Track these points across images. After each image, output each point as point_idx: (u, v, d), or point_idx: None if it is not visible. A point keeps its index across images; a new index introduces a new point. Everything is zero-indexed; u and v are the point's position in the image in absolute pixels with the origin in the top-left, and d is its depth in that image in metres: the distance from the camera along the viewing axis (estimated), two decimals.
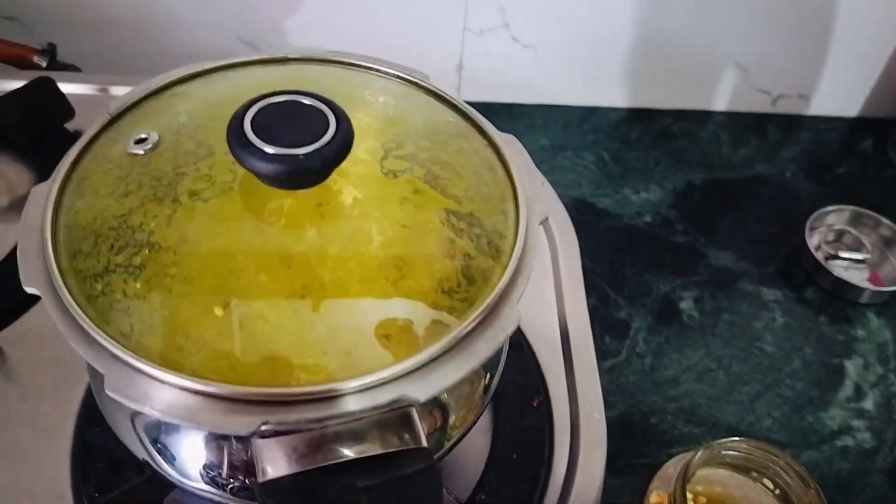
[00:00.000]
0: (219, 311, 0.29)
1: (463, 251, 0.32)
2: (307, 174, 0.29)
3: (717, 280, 0.67)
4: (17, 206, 0.57)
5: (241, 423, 0.26)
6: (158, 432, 0.33)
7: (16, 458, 0.43)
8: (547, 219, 0.34)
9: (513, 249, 0.32)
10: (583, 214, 0.71)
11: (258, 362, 0.28)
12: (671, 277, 0.67)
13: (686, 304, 0.65)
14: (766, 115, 0.83)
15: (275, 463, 0.26)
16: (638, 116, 0.83)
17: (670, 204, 0.73)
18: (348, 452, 0.27)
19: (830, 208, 0.70)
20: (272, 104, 0.30)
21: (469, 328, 0.29)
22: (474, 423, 0.36)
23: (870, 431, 0.57)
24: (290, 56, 0.39)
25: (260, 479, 0.26)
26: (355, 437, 0.27)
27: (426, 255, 0.31)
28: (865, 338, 0.63)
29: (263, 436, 0.27)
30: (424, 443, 0.27)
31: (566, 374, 0.48)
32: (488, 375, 0.37)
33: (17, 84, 0.60)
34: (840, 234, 0.70)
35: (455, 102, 0.38)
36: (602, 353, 0.52)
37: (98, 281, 0.29)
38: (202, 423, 0.27)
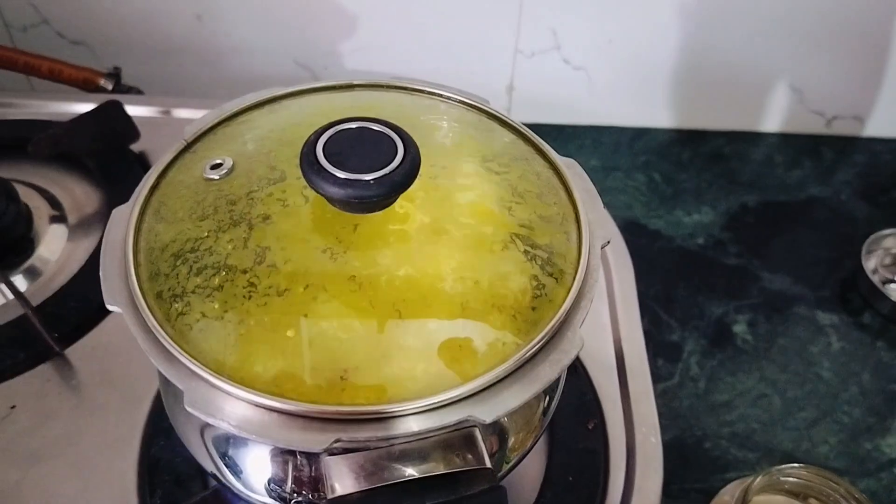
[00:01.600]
0: (291, 333, 0.29)
1: (528, 274, 0.32)
2: (376, 198, 0.30)
3: (772, 303, 0.66)
4: (84, 224, 0.59)
5: (314, 440, 0.27)
6: (227, 446, 0.34)
7: (83, 472, 0.44)
8: (609, 242, 0.34)
9: (576, 272, 0.32)
10: (635, 236, 0.71)
11: (328, 381, 0.29)
12: (724, 300, 0.66)
13: (740, 328, 0.64)
14: (819, 137, 0.83)
15: (343, 480, 0.27)
16: (689, 137, 0.82)
17: (723, 226, 0.73)
18: (413, 471, 0.27)
19: (887, 231, 0.69)
20: (342, 130, 0.31)
21: (533, 350, 0.29)
22: (533, 445, 0.36)
23: None
24: (354, 83, 0.40)
25: (329, 496, 0.27)
26: (420, 456, 0.28)
27: (492, 277, 0.32)
28: None
29: (332, 453, 0.27)
30: (488, 463, 0.28)
31: (621, 397, 0.48)
32: (547, 398, 0.38)
33: (85, 106, 0.62)
34: None
35: (517, 126, 0.38)
36: (654, 377, 0.52)
37: (177, 301, 0.30)
38: (276, 439, 0.27)
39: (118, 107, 0.60)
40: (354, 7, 0.75)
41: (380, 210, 0.32)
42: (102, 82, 0.69)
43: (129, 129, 0.61)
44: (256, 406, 0.28)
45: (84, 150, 0.59)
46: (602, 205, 0.36)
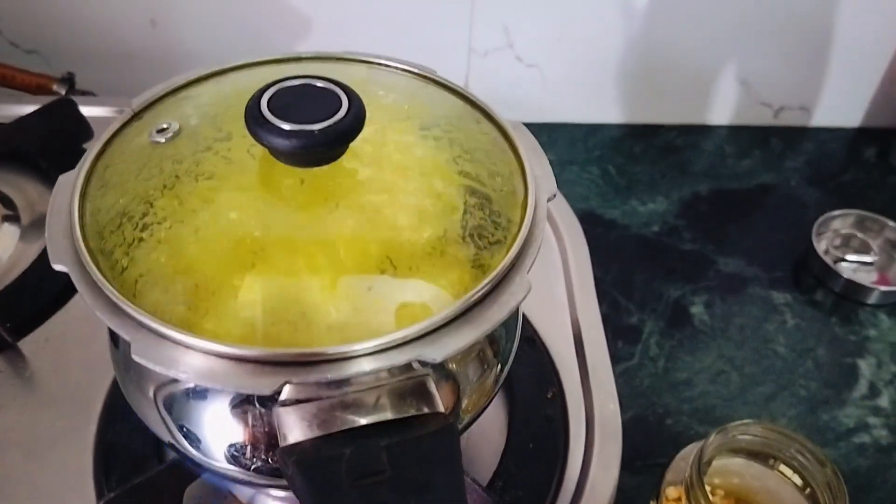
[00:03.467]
0: (237, 282, 0.30)
1: (476, 223, 0.33)
2: (322, 149, 0.31)
3: (727, 285, 0.67)
4: (37, 224, 0.58)
5: (262, 383, 0.27)
6: (182, 412, 0.33)
7: (37, 459, 0.43)
8: (555, 196, 0.35)
9: (522, 221, 0.33)
10: (591, 226, 0.72)
11: (276, 329, 0.29)
12: (681, 284, 0.67)
13: (697, 309, 0.65)
14: (768, 128, 0.85)
15: (295, 429, 0.27)
16: (642, 132, 0.84)
17: (677, 214, 0.74)
18: (366, 419, 0.27)
19: (836, 213, 0.71)
20: (287, 87, 0.32)
21: (482, 293, 0.30)
22: (488, 402, 0.37)
23: (886, 428, 0.57)
24: (302, 55, 0.41)
25: (281, 445, 0.27)
26: (373, 404, 0.28)
27: (441, 228, 0.32)
28: (877, 337, 0.64)
29: (284, 404, 0.27)
30: (440, 407, 0.28)
31: (579, 367, 0.49)
32: (499, 366, 0.38)
33: (38, 107, 0.62)
34: (847, 238, 0.71)
35: (463, 92, 0.39)
36: (615, 358, 0.53)
37: (123, 256, 0.30)
38: (226, 384, 0.27)
39: (70, 104, 0.60)
40: (308, 11, 0.75)
41: (326, 163, 0.32)
42: (56, 87, 0.69)
43: (83, 127, 0.61)
44: (206, 353, 0.28)
45: (36, 148, 0.59)
46: (548, 162, 0.37)
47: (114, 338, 0.36)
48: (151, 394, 0.34)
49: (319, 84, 0.32)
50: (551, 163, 0.77)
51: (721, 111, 0.84)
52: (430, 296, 0.31)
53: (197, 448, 0.34)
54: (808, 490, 0.43)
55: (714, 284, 0.67)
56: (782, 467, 0.44)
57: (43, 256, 0.54)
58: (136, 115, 0.37)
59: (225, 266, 0.30)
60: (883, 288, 0.66)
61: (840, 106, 0.84)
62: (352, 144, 0.32)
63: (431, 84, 0.40)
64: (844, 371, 0.61)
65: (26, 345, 0.49)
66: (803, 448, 0.43)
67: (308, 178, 0.32)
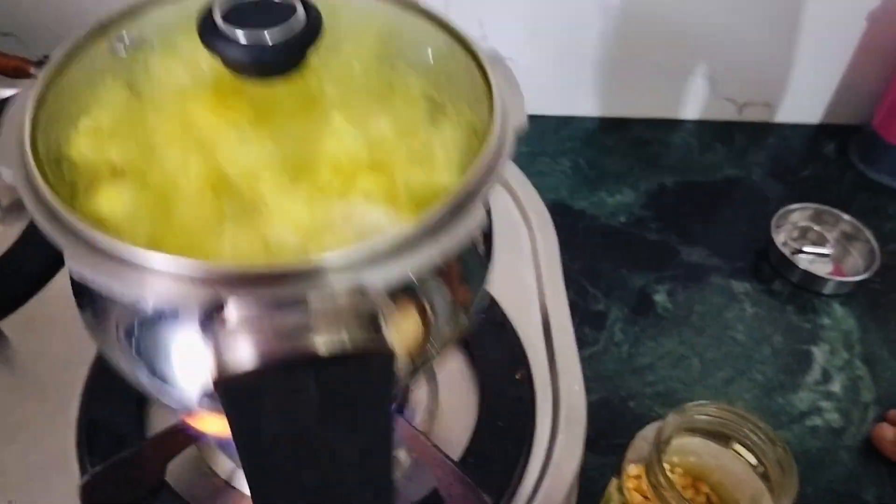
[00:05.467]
0: (179, 191, 0.30)
1: (437, 146, 0.32)
2: (275, 57, 0.30)
3: (690, 274, 0.70)
4: (16, 208, 0.59)
5: (191, 294, 0.26)
6: (153, 350, 0.32)
7: (22, 436, 0.45)
8: (524, 128, 0.34)
9: (483, 151, 0.31)
10: (561, 216, 0.74)
11: (214, 241, 0.28)
12: (646, 272, 0.70)
13: (660, 297, 0.68)
14: (733, 123, 0.87)
15: (232, 352, 0.26)
16: (612, 125, 0.86)
17: (643, 205, 0.77)
18: (304, 347, 0.26)
19: (794, 206, 0.74)
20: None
21: (434, 217, 0.28)
22: (439, 350, 0.36)
23: (837, 412, 0.60)
24: None
25: (216, 376, 0.25)
26: (314, 330, 0.26)
27: (400, 150, 0.32)
28: (831, 326, 0.66)
29: (224, 326, 0.26)
30: (386, 341, 0.26)
31: (546, 350, 0.51)
32: (462, 314, 0.37)
33: (14, 91, 0.62)
34: (804, 231, 0.74)
35: (441, 18, 0.38)
36: (581, 343, 0.55)
37: (72, 168, 0.31)
38: (156, 295, 0.27)
39: None
40: None
41: (282, 73, 0.31)
42: (33, 70, 0.69)
43: None
44: (142, 266, 0.26)
45: None
46: (522, 96, 0.36)
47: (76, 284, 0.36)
48: (113, 325, 0.33)
49: None
50: (523, 154, 0.80)
51: (688, 106, 0.87)
52: (382, 220, 0.30)
53: (173, 387, 0.33)
54: (761, 468, 0.46)
55: (677, 273, 0.70)
56: (737, 446, 0.47)
57: (24, 238, 0.55)
58: (100, 30, 0.36)
59: (172, 178, 0.30)
60: (837, 278, 0.68)
61: (802, 103, 0.87)
62: (311, 63, 0.32)
63: (408, 10, 0.38)
64: (799, 357, 0.64)
65: (8, 326, 0.49)
66: (756, 428, 0.45)
67: (263, 93, 0.32)
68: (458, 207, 0.29)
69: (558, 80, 0.84)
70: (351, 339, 0.26)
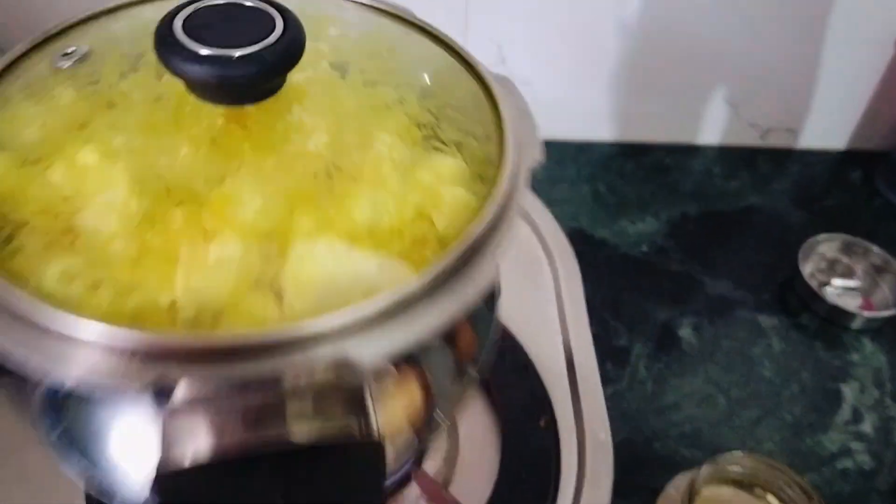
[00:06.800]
0: (120, 248, 0.24)
1: (434, 197, 0.27)
2: (242, 81, 0.25)
3: (715, 307, 0.68)
4: None
5: (136, 373, 0.20)
6: (78, 435, 0.27)
7: (30, 485, 0.43)
8: (540, 164, 0.29)
9: (491, 197, 0.27)
10: (581, 245, 0.72)
11: (161, 306, 0.23)
12: (669, 305, 0.68)
13: (685, 332, 0.66)
14: (756, 150, 0.86)
15: (183, 446, 0.21)
16: (632, 151, 0.85)
17: (666, 234, 0.75)
18: (269, 438, 0.21)
19: (822, 237, 0.72)
20: (209, 6, 0.26)
21: (433, 277, 0.23)
22: (454, 409, 0.34)
23: (868, 454, 0.58)
24: None
25: (159, 469, 0.21)
26: (283, 416, 0.21)
27: (394, 202, 0.27)
28: (861, 362, 0.64)
29: (173, 411, 0.21)
30: (374, 429, 0.22)
31: (571, 395, 0.49)
32: (470, 368, 0.33)
33: None
34: (832, 263, 0.72)
35: (444, 38, 0.33)
36: (603, 380, 0.53)
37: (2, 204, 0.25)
38: (83, 372, 0.21)
39: None
40: None
41: (251, 102, 0.26)
42: None
43: None
44: (67, 339, 0.21)
45: None
46: (536, 127, 0.31)
47: None
48: (36, 404, 0.28)
49: (249, 3, 0.26)
50: (542, 180, 0.78)
51: (710, 132, 0.85)
52: (373, 275, 0.24)
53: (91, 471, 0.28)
54: None
55: (701, 307, 0.68)
56: (769, 497, 0.45)
57: None
58: (46, 41, 0.32)
59: (112, 224, 0.24)
60: (867, 313, 0.66)
61: (826, 128, 0.85)
62: (294, 87, 0.27)
63: (409, 27, 0.34)
64: (828, 396, 0.62)
65: None
66: (790, 480, 0.43)
67: (229, 121, 0.27)
68: (464, 262, 0.24)
69: (577, 104, 0.83)
70: (331, 426, 0.21)
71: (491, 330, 0.35)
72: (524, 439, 0.46)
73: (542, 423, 0.47)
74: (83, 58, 0.30)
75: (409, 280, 0.23)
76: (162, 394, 0.21)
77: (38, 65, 0.31)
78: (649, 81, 0.81)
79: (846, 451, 0.58)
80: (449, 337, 0.31)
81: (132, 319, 0.22)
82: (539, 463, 0.45)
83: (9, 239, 0.25)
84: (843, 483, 0.56)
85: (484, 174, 0.28)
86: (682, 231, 0.76)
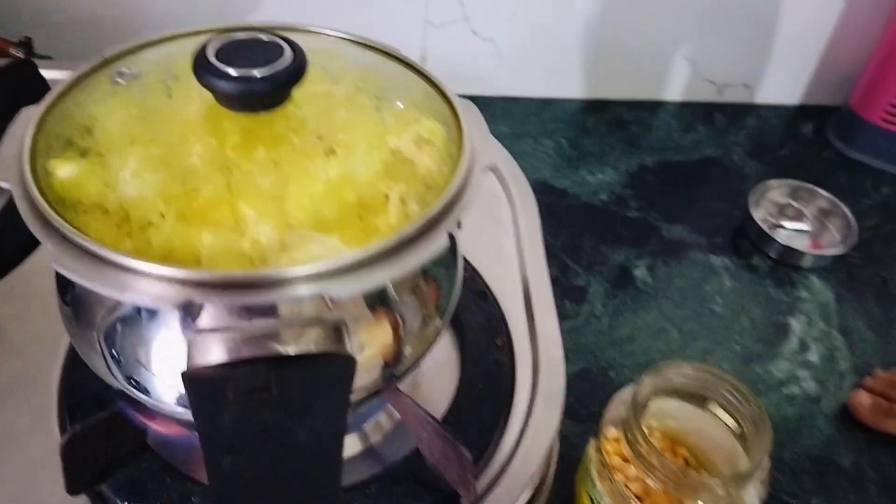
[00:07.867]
0: (162, 207, 0.32)
1: (408, 180, 0.35)
2: (262, 93, 0.33)
3: (669, 250, 0.71)
4: None
5: (165, 295, 0.28)
6: (126, 353, 0.34)
7: (4, 398, 0.45)
8: (495, 165, 0.37)
9: (450, 184, 0.34)
10: (543, 195, 0.75)
11: (191, 252, 0.31)
12: (626, 249, 0.70)
13: (640, 272, 0.68)
14: (713, 104, 0.88)
15: (201, 354, 0.28)
16: (593, 107, 0.87)
17: (625, 184, 0.78)
18: (269, 351, 0.28)
19: (773, 182, 0.75)
20: (234, 40, 0.34)
21: (396, 241, 0.31)
22: (422, 354, 0.39)
23: (814, 380, 0.61)
24: (257, 25, 0.41)
25: (188, 371, 0.27)
26: (281, 337, 0.29)
27: (371, 181, 0.34)
28: (809, 298, 0.67)
29: (198, 330, 0.28)
30: (347, 349, 0.29)
31: (527, 317, 0.51)
32: (436, 319, 0.39)
33: None
34: (782, 207, 0.75)
35: (414, 65, 0.41)
36: (562, 316, 0.55)
37: (66, 180, 0.33)
38: (137, 296, 0.28)
39: (30, 65, 0.60)
40: None
41: (268, 109, 0.35)
42: (13, 50, 0.69)
43: (43, 89, 0.61)
44: (123, 269, 0.29)
45: None
46: (493, 139, 0.40)
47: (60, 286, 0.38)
48: (97, 344, 0.35)
49: (265, 38, 0.35)
50: (506, 135, 0.81)
51: (669, 88, 0.88)
52: (349, 243, 0.32)
53: (146, 392, 0.35)
54: (738, 430, 0.46)
55: (657, 249, 0.71)
56: (714, 408, 0.47)
57: (4, 214, 0.55)
58: (105, 62, 0.39)
59: (151, 189, 0.32)
60: (815, 252, 0.69)
61: (781, 84, 0.88)
62: (294, 107, 0.35)
63: (386, 56, 0.42)
64: (777, 329, 0.65)
65: None
66: (731, 387, 0.46)
67: (248, 127, 0.35)
68: (421, 236, 0.32)
69: (540, 62, 0.85)
70: (314, 342, 0.28)
71: (453, 288, 0.41)
72: (482, 356, 0.48)
73: (498, 343, 0.49)
74: (134, 76, 0.38)
75: (380, 241, 0.30)
76: (190, 316, 0.29)
77: (99, 79, 0.39)
78: (611, 39, 0.83)
79: (793, 378, 0.61)
80: (415, 290, 0.37)
81: (172, 261, 0.31)
82: (495, 377, 0.47)
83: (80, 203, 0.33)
84: (790, 407, 0.59)
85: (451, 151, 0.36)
86: (641, 181, 0.78)
